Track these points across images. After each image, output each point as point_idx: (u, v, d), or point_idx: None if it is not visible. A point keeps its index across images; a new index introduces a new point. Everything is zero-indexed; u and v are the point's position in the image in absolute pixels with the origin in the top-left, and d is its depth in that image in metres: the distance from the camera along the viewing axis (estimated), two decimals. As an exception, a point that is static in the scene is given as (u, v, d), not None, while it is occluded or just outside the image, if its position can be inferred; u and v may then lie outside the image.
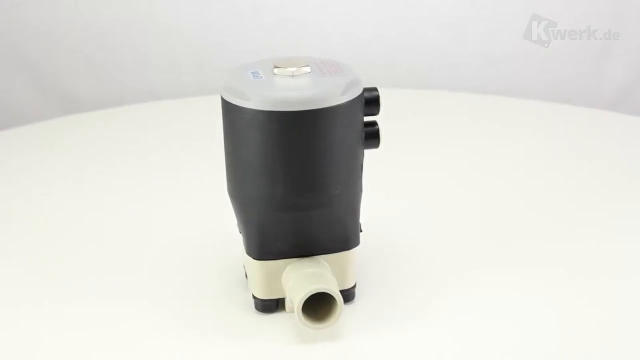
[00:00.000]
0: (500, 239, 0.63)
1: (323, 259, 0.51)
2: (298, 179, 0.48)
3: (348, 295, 0.53)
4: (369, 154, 0.52)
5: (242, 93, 0.48)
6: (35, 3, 1.13)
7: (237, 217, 0.52)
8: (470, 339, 0.51)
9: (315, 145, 0.48)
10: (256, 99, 0.47)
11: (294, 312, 0.49)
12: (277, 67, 0.49)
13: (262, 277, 0.51)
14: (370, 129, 0.51)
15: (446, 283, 0.57)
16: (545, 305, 0.54)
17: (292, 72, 0.49)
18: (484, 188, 0.73)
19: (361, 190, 0.51)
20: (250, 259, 0.51)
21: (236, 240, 0.55)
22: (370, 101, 0.50)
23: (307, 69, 0.50)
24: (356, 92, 0.49)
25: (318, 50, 1.13)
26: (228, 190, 0.52)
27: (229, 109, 0.49)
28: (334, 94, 0.47)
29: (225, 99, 0.49)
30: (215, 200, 0.71)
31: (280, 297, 0.53)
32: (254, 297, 0.53)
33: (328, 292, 0.48)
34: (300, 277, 0.50)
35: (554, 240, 0.63)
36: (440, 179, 0.75)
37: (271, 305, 0.53)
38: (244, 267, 0.56)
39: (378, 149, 0.52)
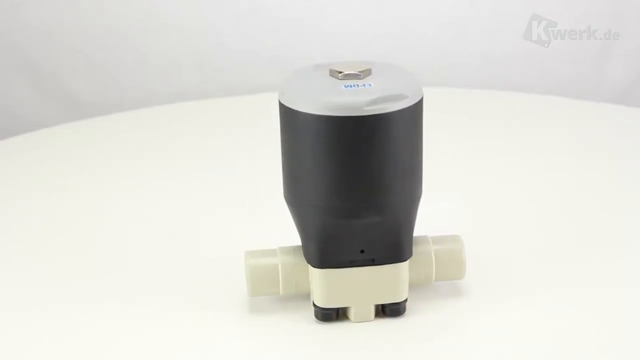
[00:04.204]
0: (504, 237, 0.63)
1: None
2: (419, 172, 0.52)
3: None
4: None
5: (351, 103, 0.47)
6: (35, 3, 1.13)
7: (367, 232, 0.50)
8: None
9: (419, 139, 0.51)
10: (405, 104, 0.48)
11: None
12: (350, 72, 0.49)
13: (405, 278, 0.52)
14: None
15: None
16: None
17: (362, 75, 0.49)
18: (485, 188, 0.73)
19: None
20: (390, 267, 0.51)
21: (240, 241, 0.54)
22: None
23: (375, 71, 0.50)
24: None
25: (318, 50, 1.13)
26: (344, 209, 0.49)
27: (333, 125, 0.47)
28: (418, 89, 0.49)
29: (332, 114, 0.46)
30: (216, 201, 0.71)
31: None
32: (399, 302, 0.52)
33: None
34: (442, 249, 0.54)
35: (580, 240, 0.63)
36: (440, 179, 0.75)
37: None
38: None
39: None
